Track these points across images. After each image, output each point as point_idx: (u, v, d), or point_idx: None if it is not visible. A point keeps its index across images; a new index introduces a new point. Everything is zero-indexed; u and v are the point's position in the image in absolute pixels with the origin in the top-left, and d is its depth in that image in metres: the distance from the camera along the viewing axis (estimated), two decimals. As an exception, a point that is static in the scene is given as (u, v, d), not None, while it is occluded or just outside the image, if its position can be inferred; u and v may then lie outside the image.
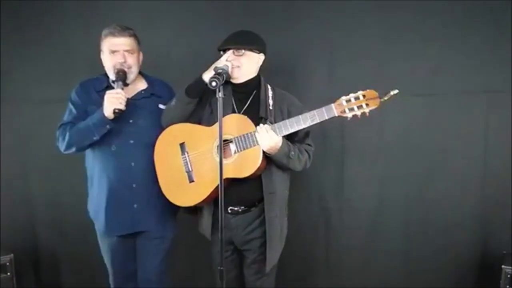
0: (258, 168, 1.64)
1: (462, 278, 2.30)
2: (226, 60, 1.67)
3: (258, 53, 1.73)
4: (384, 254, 2.35)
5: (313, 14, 2.21)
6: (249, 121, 1.66)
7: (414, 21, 2.17)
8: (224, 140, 1.65)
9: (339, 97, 1.59)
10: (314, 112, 1.60)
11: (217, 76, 1.52)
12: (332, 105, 1.59)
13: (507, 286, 2.03)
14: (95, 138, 1.72)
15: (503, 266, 2.06)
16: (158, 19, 2.27)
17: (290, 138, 1.71)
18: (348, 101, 1.57)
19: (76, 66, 2.32)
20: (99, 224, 1.88)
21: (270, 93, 1.74)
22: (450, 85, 2.19)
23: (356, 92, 1.57)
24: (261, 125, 1.62)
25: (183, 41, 2.30)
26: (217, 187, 1.62)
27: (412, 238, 2.31)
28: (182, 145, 1.75)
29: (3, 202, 2.42)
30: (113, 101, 1.67)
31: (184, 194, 1.75)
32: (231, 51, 1.69)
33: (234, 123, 1.67)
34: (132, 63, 1.78)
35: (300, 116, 1.61)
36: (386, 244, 2.34)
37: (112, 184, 1.79)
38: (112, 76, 1.77)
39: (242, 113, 1.72)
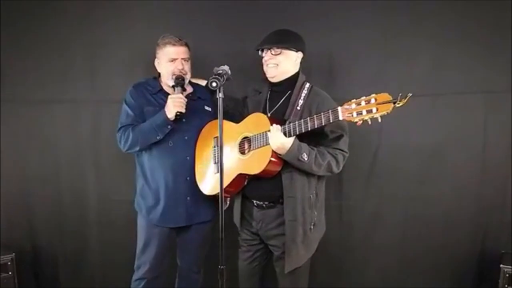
0: (268, 166, 1.69)
1: (461, 277, 2.31)
2: (264, 60, 1.77)
3: (296, 51, 1.76)
4: (383, 253, 2.36)
5: (313, 14, 2.21)
6: (267, 120, 1.71)
7: (414, 21, 2.17)
8: (245, 137, 1.79)
9: (344, 98, 1.54)
10: (321, 114, 1.59)
11: (217, 77, 1.52)
12: (339, 108, 1.55)
13: (506, 286, 2.04)
14: (158, 137, 1.90)
15: (501, 266, 2.07)
16: (158, 20, 2.27)
17: (319, 142, 1.73)
18: (358, 104, 1.50)
19: (76, 66, 2.32)
20: (153, 216, 1.98)
21: (304, 93, 1.75)
22: (450, 85, 2.19)
23: (369, 95, 1.48)
24: (274, 125, 1.66)
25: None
26: (234, 180, 1.77)
27: (411, 237, 2.32)
28: (216, 139, 1.89)
29: (3, 201, 2.42)
30: (177, 105, 1.85)
31: (209, 183, 1.89)
32: (268, 51, 1.75)
33: (255, 122, 1.76)
34: (187, 69, 1.96)
35: (308, 118, 1.61)
36: (384, 244, 2.35)
37: (169, 178, 1.94)
38: (171, 82, 1.93)
39: (272, 113, 1.79)
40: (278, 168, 1.72)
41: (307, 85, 1.77)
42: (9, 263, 2.26)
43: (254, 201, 1.82)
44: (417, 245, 2.32)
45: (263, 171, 1.69)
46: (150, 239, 2.00)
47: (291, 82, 1.79)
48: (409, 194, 2.30)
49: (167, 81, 1.95)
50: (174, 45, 1.91)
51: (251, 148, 1.75)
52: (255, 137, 1.74)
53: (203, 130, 1.99)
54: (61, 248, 2.49)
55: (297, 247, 1.76)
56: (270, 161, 1.68)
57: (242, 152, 1.80)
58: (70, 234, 2.47)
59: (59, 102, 2.35)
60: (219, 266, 1.58)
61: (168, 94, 1.93)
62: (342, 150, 1.76)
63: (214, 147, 1.90)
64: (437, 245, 2.30)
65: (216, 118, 1.65)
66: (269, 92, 1.84)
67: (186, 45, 1.95)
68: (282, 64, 1.75)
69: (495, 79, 2.17)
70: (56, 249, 2.49)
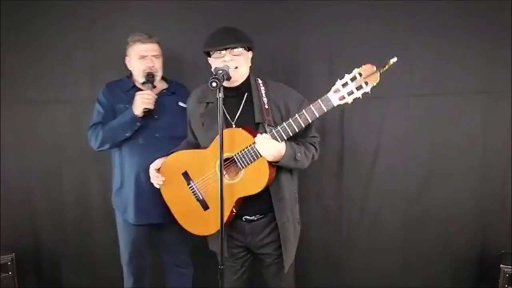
0: (269, 180, 1.57)
1: (461, 277, 2.31)
2: (222, 61, 1.56)
3: (248, 51, 1.63)
4: (383, 253, 2.35)
5: (313, 14, 2.21)
6: (245, 133, 1.56)
7: (414, 21, 2.16)
8: (226, 159, 1.57)
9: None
10: (311, 107, 1.49)
11: (216, 76, 1.47)
12: (328, 95, 1.47)
13: (506, 286, 2.04)
14: (127, 135, 1.90)
15: (501, 266, 2.07)
16: (158, 20, 2.27)
17: (296, 135, 1.60)
18: (345, 84, 1.45)
19: (76, 66, 2.33)
20: (127, 214, 1.99)
21: (262, 90, 1.63)
22: (450, 85, 2.19)
23: (351, 72, 1.44)
24: (258, 135, 1.53)
25: (182, 43, 2.30)
26: (234, 206, 1.60)
27: (411, 237, 2.32)
28: (185, 175, 1.68)
29: (4, 201, 2.43)
30: (145, 101, 1.85)
31: (204, 223, 1.67)
32: (227, 51, 1.56)
33: (231, 139, 1.55)
34: (158, 66, 1.96)
35: (297, 116, 1.50)
36: (384, 244, 2.35)
37: (139, 176, 1.92)
38: (141, 79, 1.92)
39: (236, 122, 1.62)
40: (272, 178, 1.60)
41: (260, 80, 1.66)
42: (9, 263, 2.26)
43: (243, 217, 1.68)
44: (417, 245, 2.32)
45: (266, 185, 1.56)
46: (129, 237, 2.03)
47: (246, 85, 1.64)
48: (409, 194, 2.29)
49: (138, 79, 1.95)
50: (143, 42, 1.91)
51: (239, 168, 1.58)
52: (240, 155, 1.55)
53: (161, 170, 1.70)
54: (62, 248, 2.49)
55: (291, 244, 1.72)
56: (269, 172, 1.55)
57: (230, 175, 1.61)
58: (71, 234, 2.48)
59: (59, 102, 2.35)
60: (219, 266, 1.58)
61: (140, 90, 1.92)
62: (315, 136, 1.72)
63: (189, 183, 1.67)
64: (437, 245, 2.30)
65: None
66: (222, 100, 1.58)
67: (157, 42, 1.94)
68: (242, 66, 1.59)
69: (495, 79, 2.16)
70: (57, 248, 2.49)
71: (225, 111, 1.59)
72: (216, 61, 1.59)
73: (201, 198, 1.67)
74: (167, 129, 1.93)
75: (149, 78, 1.90)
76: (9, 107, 2.36)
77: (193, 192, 1.68)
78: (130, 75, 2.01)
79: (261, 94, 1.62)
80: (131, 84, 1.99)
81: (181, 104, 1.98)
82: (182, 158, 1.70)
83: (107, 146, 1.94)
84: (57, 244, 2.49)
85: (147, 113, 1.86)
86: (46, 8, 2.29)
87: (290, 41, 2.24)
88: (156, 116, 1.92)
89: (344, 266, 2.41)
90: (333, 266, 2.41)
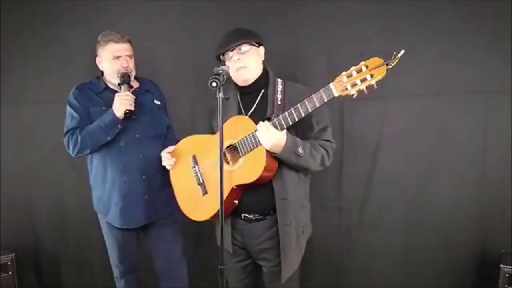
0: (265, 170, 1.53)
1: (461, 277, 2.30)
2: (233, 61, 1.59)
3: (259, 46, 1.66)
4: (383, 253, 2.35)
5: (313, 14, 2.21)
6: (250, 120, 1.57)
7: (414, 21, 2.16)
8: (229, 146, 1.59)
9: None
10: (312, 96, 1.47)
11: (217, 76, 1.46)
12: (331, 84, 1.44)
13: (506, 286, 2.04)
14: (108, 138, 1.83)
15: (501, 266, 2.06)
16: (158, 19, 2.27)
17: (305, 135, 1.62)
18: (350, 76, 1.42)
19: (75, 66, 2.33)
20: (111, 218, 1.95)
21: (279, 87, 1.62)
22: (450, 85, 2.18)
23: (358, 64, 1.41)
24: (260, 122, 1.52)
25: (182, 42, 2.30)
26: (229, 196, 1.57)
27: (411, 237, 2.32)
28: (193, 158, 1.72)
29: (4, 201, 2.43)
30: (125, 103, 1.80)
31: (199, 208, 1.69)
32: (234, 51, 1.60)
33: (236, 126, 1.58)
34: (132, 66, 1.90)
35: (298, 105, 1.48)
36: (384, 244, 2.34)
37: (124, 178, 1.89)
38: (116, 80, 1.86)
39: (249, 115, 1.62)
40: (273, 172, 1.57)
41: (279, 80, 1.66)
42: (9, 263, 2.27)
43: (242, 215, 1.65)
44: (417, 245, 2.32)
45: (261, 176, 1.53)
46: (114, 241, 1.99)
47: (262, 81, 1.65)
48: (410, 194, 2.29)
49: (111, 80, 1.88)
50: (117, 42, 1.84)
51: (240, 155, 1.58)
52: (241, 142, 1.56)
53: (173, 153, 1.77)
54: (62, 248, 2.50)
55: (292, 252, 1.65)
56: (267, 162, 1.52)
57: (227, 162, 1.62)
58: (71, 234, 2.48)
59: (59, 102, 2.34)
60: (219, 266, 1.57)
61: (114, 91, 1.86)
62: (330, 141, 1.65)
63: (194, 167, 1.71)
64: (438, 245, 2.30)
65: None
66: (238, 95, 1.68)
67: (129, 41, 1.89)
68: (252, 64, 1.61)
69: (495, 79, 2.16)
70: (57, 248, 2.50)
71: (240, 105, 1.66)
72: (229, 63, 1.61)
73: (201, 182, 1.69)
74: (147, 128, 1.91)
75: (125, 79, 1.83)
76: (9, 107, 2.37)
77: (195, 175, 1.70)
78: (100, 75, 1.94)
79: (277, 91, 1.62)
80: (103, 85, 1.91)
81: (156, 102, 1.98)
82: (195, 141, 1.75)
83: (87, 151, 1.87)
84: (57, 244, 2.50)
85: (128, 114, 1.82)
86: (46, 8, 2.30)
87: (289, 41, 2.24)
88: (134, 117, 1.87)
89: (344, 266, 2.41)
90: (332, 267, 2.41)
